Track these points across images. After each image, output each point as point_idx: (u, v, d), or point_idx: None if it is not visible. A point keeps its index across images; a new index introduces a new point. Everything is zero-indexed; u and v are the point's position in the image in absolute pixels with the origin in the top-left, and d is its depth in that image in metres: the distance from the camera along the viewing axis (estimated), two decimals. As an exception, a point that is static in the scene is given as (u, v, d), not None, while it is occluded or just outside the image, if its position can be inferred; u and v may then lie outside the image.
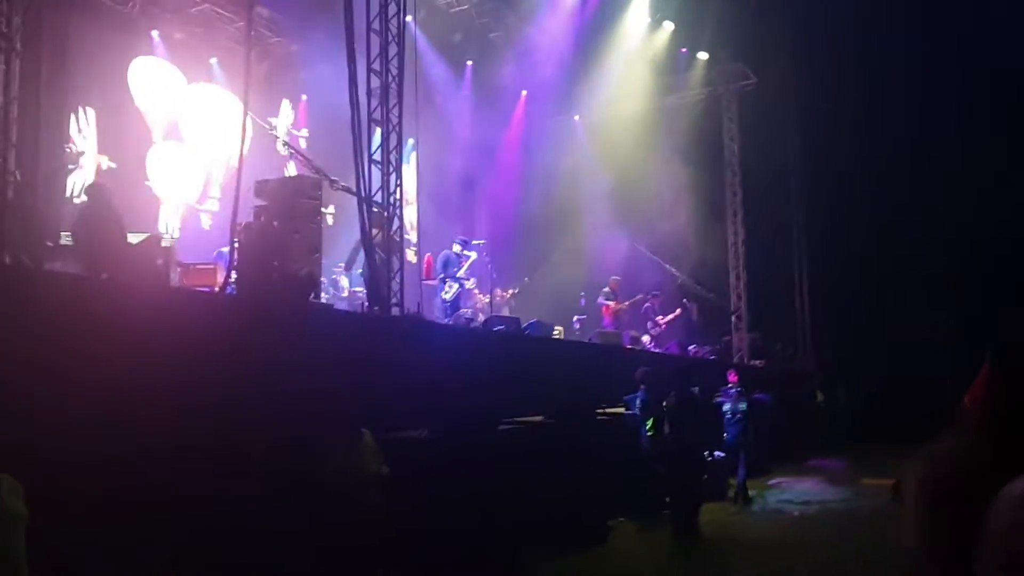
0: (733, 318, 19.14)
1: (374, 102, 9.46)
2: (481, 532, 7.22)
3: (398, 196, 9.60)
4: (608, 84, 19.25)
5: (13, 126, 8.49)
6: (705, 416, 11.00)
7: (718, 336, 18.71)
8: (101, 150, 13.32)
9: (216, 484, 5.32)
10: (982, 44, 18.23)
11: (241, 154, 9.00)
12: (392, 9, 9.69)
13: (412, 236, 14.86)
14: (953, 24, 18.30)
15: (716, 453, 11.87)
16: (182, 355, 5.36)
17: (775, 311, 20.04)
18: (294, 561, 5.59)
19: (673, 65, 19.69)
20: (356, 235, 11.10)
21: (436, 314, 12.87)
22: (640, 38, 18.96)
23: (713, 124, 19.70)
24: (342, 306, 12.31)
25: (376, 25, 9.63)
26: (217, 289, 9.09)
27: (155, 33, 14.41)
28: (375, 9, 9.64)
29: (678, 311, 16.85)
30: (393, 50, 9.64)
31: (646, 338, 15.91)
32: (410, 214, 13.59)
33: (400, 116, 9.64)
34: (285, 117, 15.73)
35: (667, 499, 10.13)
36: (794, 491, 12.90)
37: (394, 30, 9.68)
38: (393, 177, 9.47)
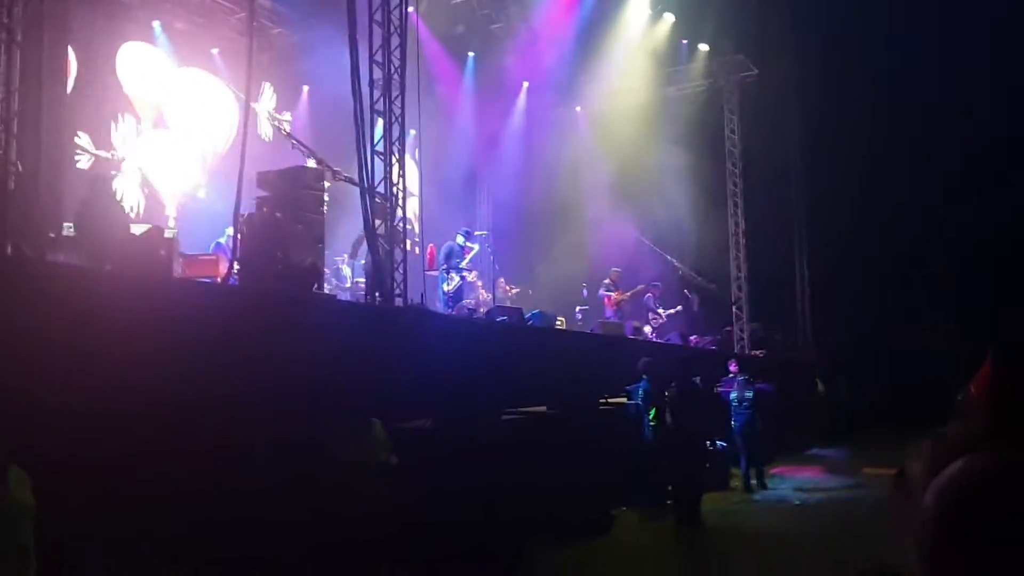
0: (734, 308, 19.18)
1: (376, 93, 9.46)
2: (484, 522, 7.24)
3: (401, 187, 9.61)
4: (610, 75, 19.24)
5: (14, 117, 8.46)
6: (707, 406, 11.05)
7: (719, 326, 18.74)
8: (99, 145, 13.21)
9: (219, 476, 5.31)
10: (982, 44, 18.23)
11: (243, 144, 8.98)
12: (394, 1, 9.69)
13: (415, 227, 14.82)
14: (953, 24, 18.27)
15: (718, 443, 11.91)
16: (185, 347, 5.36)
17: (776, 302, 20.06)
18: (297, 555, 5.59)
19: (674, 57, 19.64)
20: (353, 224, 11.11)
21: (438, 305, 12.89)
22: (641, 30, 18.91)
23: (714, 116, 19.69)
24: (345, 296, 12.31)
25: (378, 16, 9.61)
26: (220, 280, 9.10)
27: (156, 23, 14.36)
28: (377, 1, 9.63)
29: (679, 307, 16.90)
30: (395, 41, 9.64)
31: (648, 328, 15.94)
32: (413, 205, 13.53)
33: (403, 107, 9.65)
34: (267, 101, 15.58)
35: (669, 489, 10.18)
36: (795, 480, 12.95)
37: (396, 21, 9.67)
38: (396, 168, 9.48)
